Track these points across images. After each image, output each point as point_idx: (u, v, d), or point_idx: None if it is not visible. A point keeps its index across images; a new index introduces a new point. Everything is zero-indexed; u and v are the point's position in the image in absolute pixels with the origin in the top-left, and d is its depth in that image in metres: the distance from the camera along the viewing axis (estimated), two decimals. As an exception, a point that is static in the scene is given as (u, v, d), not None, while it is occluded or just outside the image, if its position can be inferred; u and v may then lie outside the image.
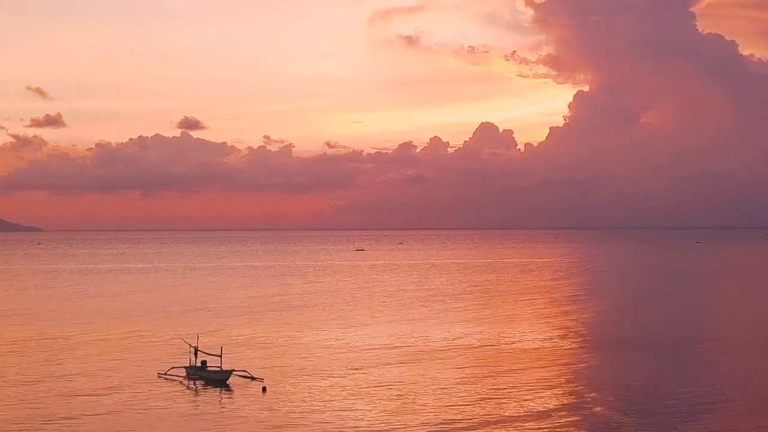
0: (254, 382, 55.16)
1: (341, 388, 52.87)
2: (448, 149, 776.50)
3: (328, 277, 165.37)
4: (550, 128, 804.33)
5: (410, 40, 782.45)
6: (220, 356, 57.34)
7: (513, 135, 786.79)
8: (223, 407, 48.71)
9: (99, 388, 53.25)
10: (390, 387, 53.10)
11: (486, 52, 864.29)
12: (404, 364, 61.70)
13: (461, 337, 75.78)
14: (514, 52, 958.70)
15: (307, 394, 51.04)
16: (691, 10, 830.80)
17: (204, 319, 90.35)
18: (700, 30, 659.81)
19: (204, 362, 57.98)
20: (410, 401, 48.75)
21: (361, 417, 45.14)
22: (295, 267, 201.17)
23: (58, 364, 62.29)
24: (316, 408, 47.40)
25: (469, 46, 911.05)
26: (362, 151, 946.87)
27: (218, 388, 53.63)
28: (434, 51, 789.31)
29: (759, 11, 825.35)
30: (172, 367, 59.10)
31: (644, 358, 65.34)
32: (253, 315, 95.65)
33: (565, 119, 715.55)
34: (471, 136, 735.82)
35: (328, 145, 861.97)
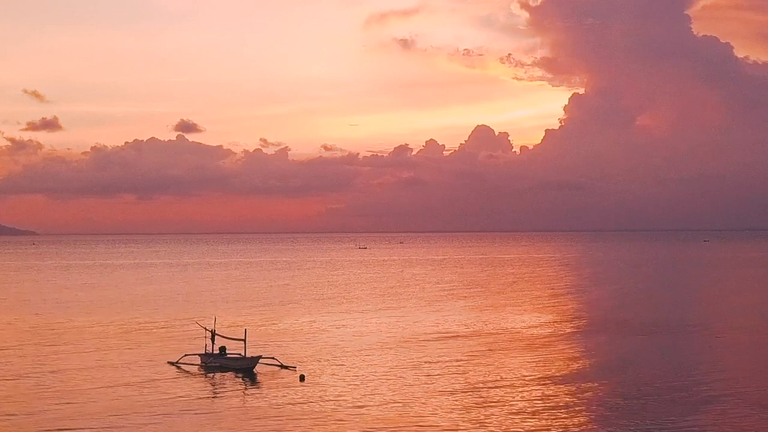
0: (285, 371, 45.58)
1: (393, 379, 43.21)
2: (444, 152, 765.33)
3: (346, 270, 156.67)
4: (545, 131, 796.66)
5: (406, 43, 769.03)
6: (244, 340, 47.57)
7: (509, 138, 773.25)
8: (258, 400, 38.77)
9: (101, 382, 43.60)
10: (455, 379, 43.65)
11: (481, 55, 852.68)
12: (462, 357, 52.15)
13: (522, 327, 66.37)
14: (510, 54, 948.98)
15: (353, 384, 41.47)
16: (686, 12, 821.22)
17: (223, 309, 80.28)
18: (695, 33, 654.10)
19: (223, 348, 48.36)
20: (483, 396, 39.16)
21: (432, 412, 35.53)
22: (311, 262, 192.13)
23: (61, 355, 52.41)
24: (370, 400, 37.80)
25: (465, 49, 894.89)
26: (358, 153, 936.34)
27: (243, 379, 43.88)
28: (429, 54, 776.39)
29: (754, 14, 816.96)
30: (185, 354, 49.42)
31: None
32: (277, 305, 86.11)
33: (560, 122, 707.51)
34: (467, 138, 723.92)
35: (325, 147, 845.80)
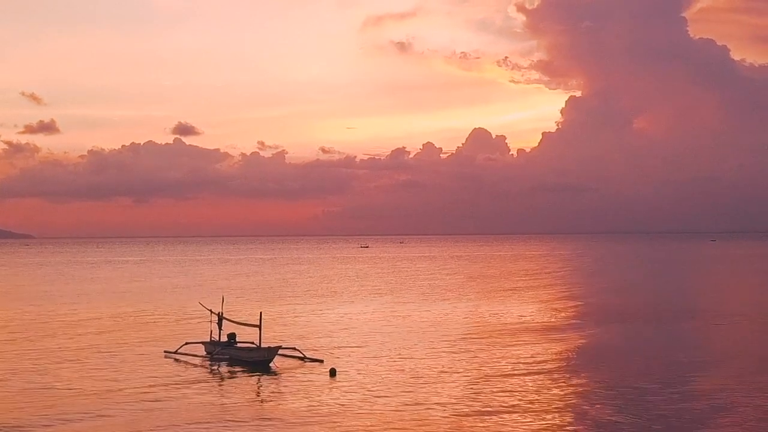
0: (308, 364, 36.39)
1: (454, 378, 33.92)
2: (441, 155, 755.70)
3: (357, 265, 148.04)
4: (542, 134, 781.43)
5: (402, 46, 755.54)
6: (259, 326, 38.15)
7: (506, 140, 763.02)
8: (283, 402, 29.20)
9: (86, 381, 34.35)
10: (534, 383, 34.37)
11: (478, 57, 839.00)
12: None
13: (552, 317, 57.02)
14: (506, 57, 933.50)
15: (400, 383, 31.96)
16: (682, 15, 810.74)
17: (232, 298, 70.97)
18: (691, 35, 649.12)
19: (233, 336, 39.11)
20: (570, 408, 29.83)
21: (513, 425, 26.20)
22: (318, 259, 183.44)
23: (45, 350, 43.49)
24: (431, 404, 28.39)
25: (461, 52, 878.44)
26: (355, 156, 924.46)
27: (259, 374, 34.46)
28: (426, 57, 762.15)
29: (750, 16, 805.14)
30: (186, 343, 40.08)
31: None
32: (291, 296, 77.02)
33: (557, 125, 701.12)
34: (464, 141, 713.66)
35: (323, 150, 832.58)
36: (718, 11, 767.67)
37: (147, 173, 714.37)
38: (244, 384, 32.53)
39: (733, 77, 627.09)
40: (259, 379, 33.36)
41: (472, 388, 30.37)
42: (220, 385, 32.37)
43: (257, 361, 36.45)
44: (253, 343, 38.93)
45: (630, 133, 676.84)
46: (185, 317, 56.12)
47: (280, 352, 37.18)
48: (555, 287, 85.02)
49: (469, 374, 33.44)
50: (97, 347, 41.85)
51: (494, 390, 30.10)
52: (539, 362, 36.76)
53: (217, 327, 39.73)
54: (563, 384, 31.44)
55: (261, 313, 39.32)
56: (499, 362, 36.59)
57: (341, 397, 29.10)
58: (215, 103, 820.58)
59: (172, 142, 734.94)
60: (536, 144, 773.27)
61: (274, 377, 33.70)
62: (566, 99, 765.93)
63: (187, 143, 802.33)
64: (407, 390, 30.18)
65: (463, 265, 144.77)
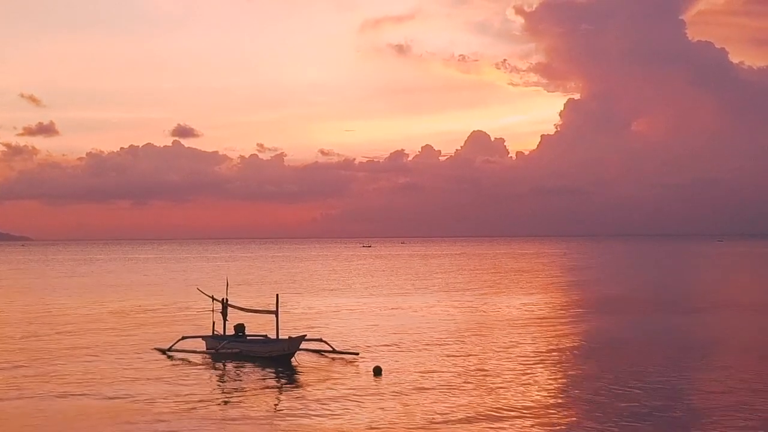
0: (339, 359, 28.30)
1: (519, 378, 25.91)
2: (440, 157, 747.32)
3: (367, 261, 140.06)
4: (541, 136, 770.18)
5: (401, 49, 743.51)
6: (276, 313, 29.88)
7: (504, 143, 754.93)
8: (320, 413, 20.94)
9: (66, 378, 26.16)
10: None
11: (476, 60, 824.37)
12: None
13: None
14: (505, 60, 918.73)
15: (460, 385, 24.02)
16: (681, 18, 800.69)
17: (239, 291, 62.83)
18: (690, 38, 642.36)
19: (241, 327, 30.93)
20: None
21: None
22: (325, 256, 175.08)
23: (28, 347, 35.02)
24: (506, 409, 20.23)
25: (460, 55, 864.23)
26: (354, 159, 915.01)
27: (280, 373, 26.20)
28: (425, 59, 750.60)
29: (748, 19, 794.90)
30: (182, 338, 31.73)
31: None
32: (307, 288, 69.27)
33: (556, 127, 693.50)
34: (462, 144, 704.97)
35: (322, 152, 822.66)
36: (717, 14, 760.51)
37: (146, 175, 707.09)
38: (260, 389, 24.20)
39: (731, 80, 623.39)
40: (279, 382, 25.08)
41: (580, 408, 22.02)
42: (227, 392, 24.03)
43: (275, 356, 28.25)
44: (266, 335, 30.88)
45: (629, 135, 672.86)
46: (185, 311, 48.20)
47: (303, 345, 28.91)
48: (598, 283, 77.03)
49: (560, 386, 24.84)
50: (81, 346, 33.62)
51: (612, 414, 21.88)
52: (639, 371, 28.58)
53: (221, 317, 31.53)
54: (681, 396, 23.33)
55: (277, 295, 30.90)
56: (591, 370, 28.35)
57: (398, 406, 20.89)
58: (214, 106, 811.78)
59: (170, 144, 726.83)
60: (535, 146, 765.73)
61: (299, 379, 25.46)
62: (565, 101, 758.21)
63: (186, 145, 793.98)
64: (490, 403, 21.88)
65: (486, 260, 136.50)
